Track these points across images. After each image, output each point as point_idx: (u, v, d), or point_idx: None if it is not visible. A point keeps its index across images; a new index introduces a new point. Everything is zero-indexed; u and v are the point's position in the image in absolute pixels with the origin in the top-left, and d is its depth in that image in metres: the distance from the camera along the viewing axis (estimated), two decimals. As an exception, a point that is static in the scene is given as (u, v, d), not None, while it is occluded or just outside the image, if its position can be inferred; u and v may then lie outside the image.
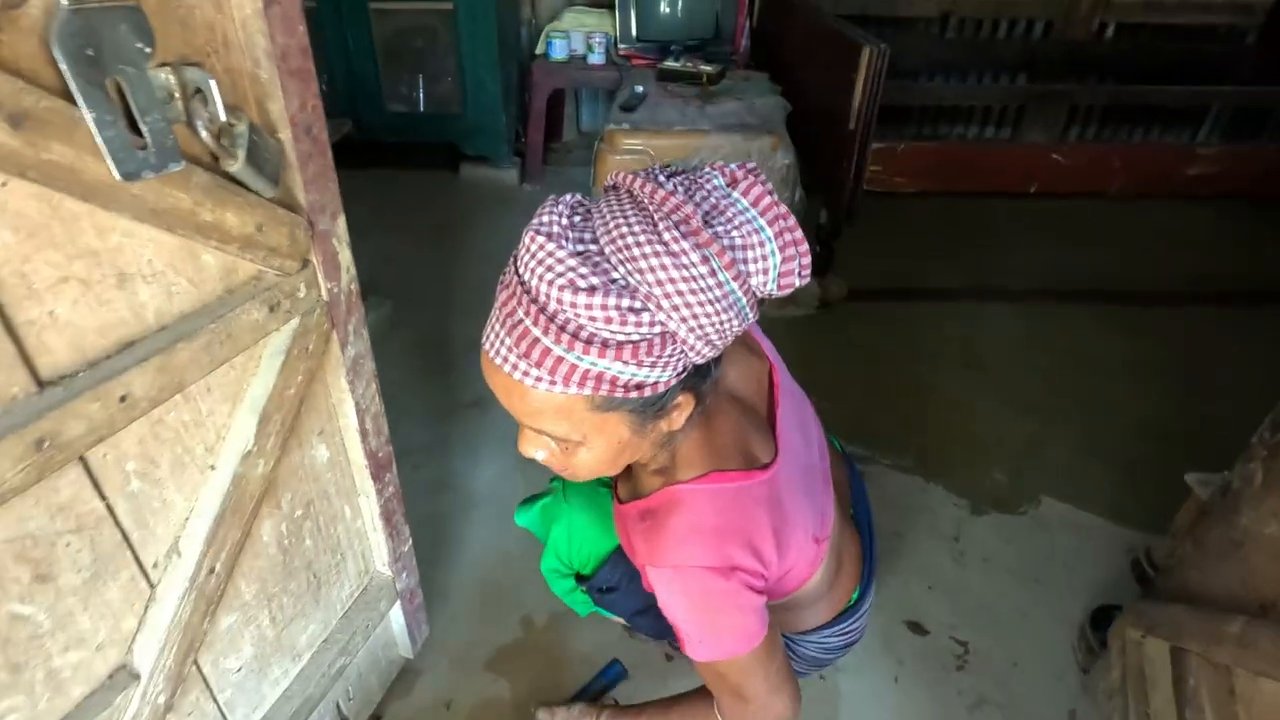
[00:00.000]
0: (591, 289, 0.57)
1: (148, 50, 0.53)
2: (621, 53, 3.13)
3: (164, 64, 0.56)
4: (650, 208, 0.59)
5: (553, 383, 0.60)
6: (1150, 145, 3.13)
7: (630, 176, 0.62)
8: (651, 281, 0.57)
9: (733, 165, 0.63)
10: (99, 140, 0.50)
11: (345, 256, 0.80)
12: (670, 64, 2.83)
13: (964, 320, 2.34)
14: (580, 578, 1.10)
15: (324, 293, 0.78)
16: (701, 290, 0.57)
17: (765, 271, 0.61)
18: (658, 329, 0.59)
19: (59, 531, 0.58)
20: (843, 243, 2.37)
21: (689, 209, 0.58)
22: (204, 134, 0.59)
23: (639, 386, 0.61)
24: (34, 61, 0.48)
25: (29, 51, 0.48)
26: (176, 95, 0.57)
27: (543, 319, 0.58)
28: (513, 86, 3.40)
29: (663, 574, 0.72)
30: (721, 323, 0.60)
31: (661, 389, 0.63)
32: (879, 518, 1.49)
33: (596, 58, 3.11)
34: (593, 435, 0.66)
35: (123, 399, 0.57)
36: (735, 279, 0.59)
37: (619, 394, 0.61)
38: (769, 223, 0.61)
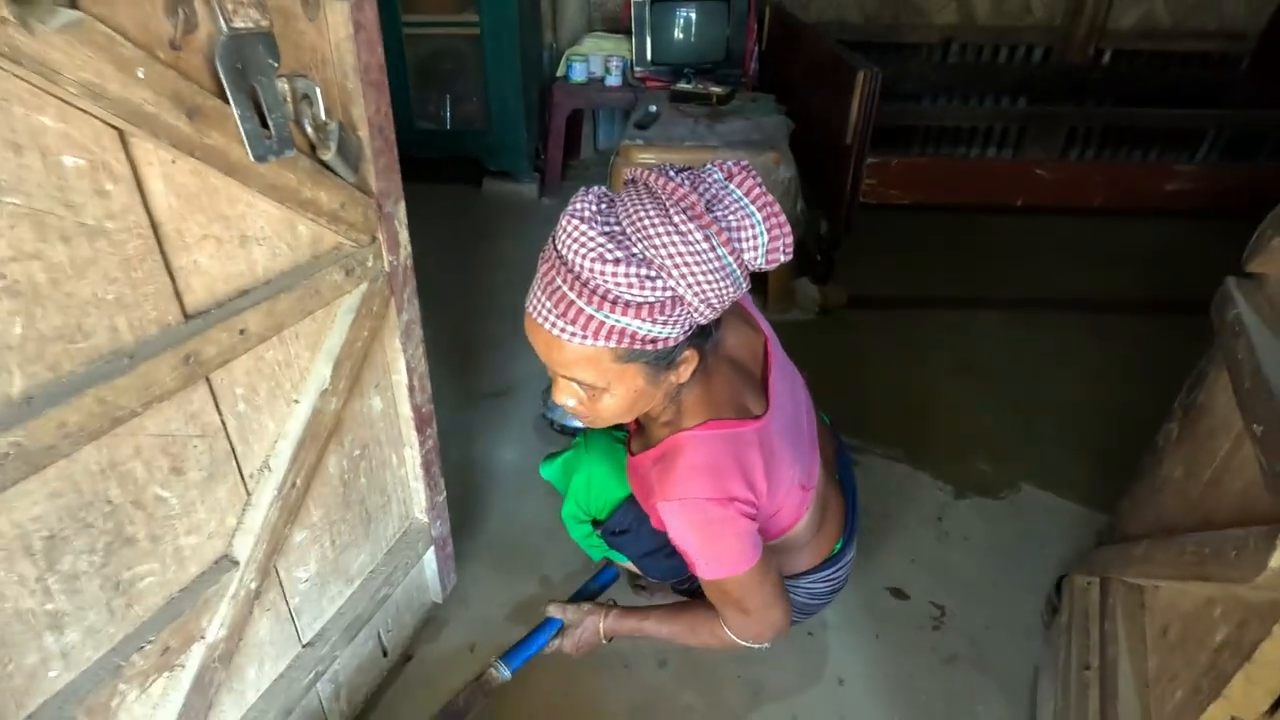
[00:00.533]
0: (617, 260, 0.71)
1: (275, 65, 0.70)
2: (637, 75, 3.32)
3: (281, 75, 0.73)
4: (662, 196, 0.73)
5: (585, 337, 0.74)
6: (1131, 163, 3.27)
7: (645, 171, 0.78)
8: (664, 255, 0.71)
9: (729, 162, 0.78)
10: (241, 130, 0.68)
11: (404, 236, 0.97)
12: (683, 86, 3.02)
13: (955, 326, 2.48)
14: (596, 523, 1.25)
15: (386, 264, 0.95)
16: (704, 262, 0.72)
17: (755, 248, 0.76)
18: (669, 293, 0.73)
19: (189, 435, 0.74)
20: (842, 252, 2.53)
21: (694, 197, 0.72)
22: (308, 129, 0.76)
23: (653, 341, 0.76)
24: (199, 72, 0.66)
25: (196, 64, 0.65)
26: (289, 99, 0.74)
27: (577, 285, 0.73)
28: (534, 106, 3.61)
29: (672, 506, 0.85)
30: (720, 289, 0.75)
31: (672, 344, 0.77)
32: (870, 502, 1.63)
33: (614, 80, 3.31)
34: (615, 383, 0.80)
35: (242, 332, 0.74)
36: (731, 254, 0.74)
37: (638, 346, 0.75)
38: (759, 209, 0.75)
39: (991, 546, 1.64)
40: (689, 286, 0.73)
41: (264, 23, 0.68)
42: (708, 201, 0.74)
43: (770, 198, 0.77)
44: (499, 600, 1.47)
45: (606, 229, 0.74)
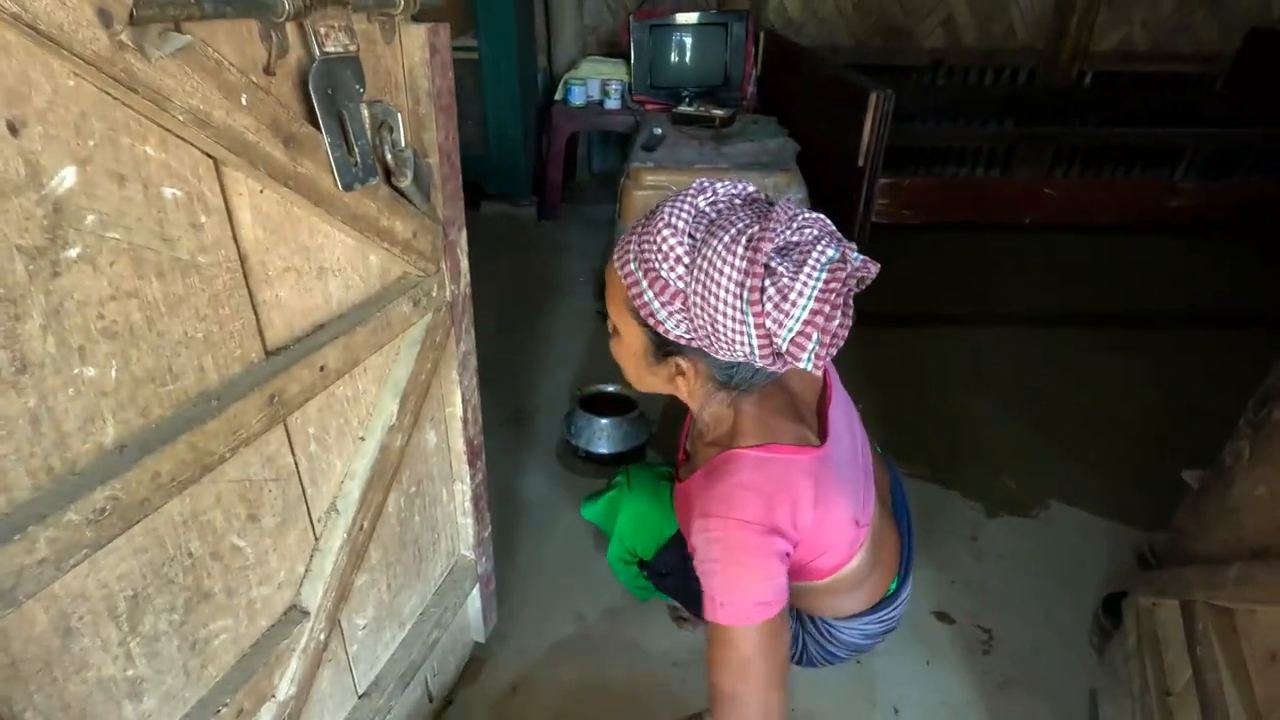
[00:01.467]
0: (675, 230, 0.73)
1: (362, 90, 0.67)
2: (636, 99, 3.34)
3: (364, 99, 0.70)
4: (750, 231, 0.70)
5: (619, 267, 0.79)
6: (1134, 181, 3.36)
7: (783, 199, 0.76)
8: (703, 264, 0.71)
9: (858, 257, 0.70)
10: (330, 158, 0.64)
11: (464, 264, 0.94)
12: (684, 109, 3.03)
13: (968, 343, 2.50)
14: (642, 564, 1.21)
15: (449, 293, 0.92)
16: (719, 299, 0.70)
17: (781, 326, 0.69)
18: (681, 294, 0.74)
19: (266, 479, 0.70)
20: (852, 271, 2.54)
21: (767, 249, 0.68)
22: (387, 156, 0.73)
23: (650, 314, 0.77)
24: (288, 98, 0.63)
25: (286, 90, 0.62)
26: (369, 125, 0.71)
27: (639, 230, 0.78)
28: (531, 130, 3.61)
29: (707, 524, 0.79)
30: (720, 332, 0.72)
31: (665, 334, 0.78)
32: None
33: (613, 103, 3.32)
34: (623, 328, 0.84)
35: (322, 369, 0.70)
36: (752, 307, 0.69)
37: (636, 304, 0.78)
38: (810, 312, 0.68)
39: (1028, 565, 1.63)
40: (696, 302, 0.73)
41: (352, 47, 0.65)
42: (781, 249, 0.70)
43: (837, 321, 0.69)
44: (537, 638, 1.42)
45: (699, 214, 0.75)
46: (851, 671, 1.36)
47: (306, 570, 0.78)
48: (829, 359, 0.71)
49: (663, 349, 0.81)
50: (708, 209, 0.75)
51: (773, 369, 0.79)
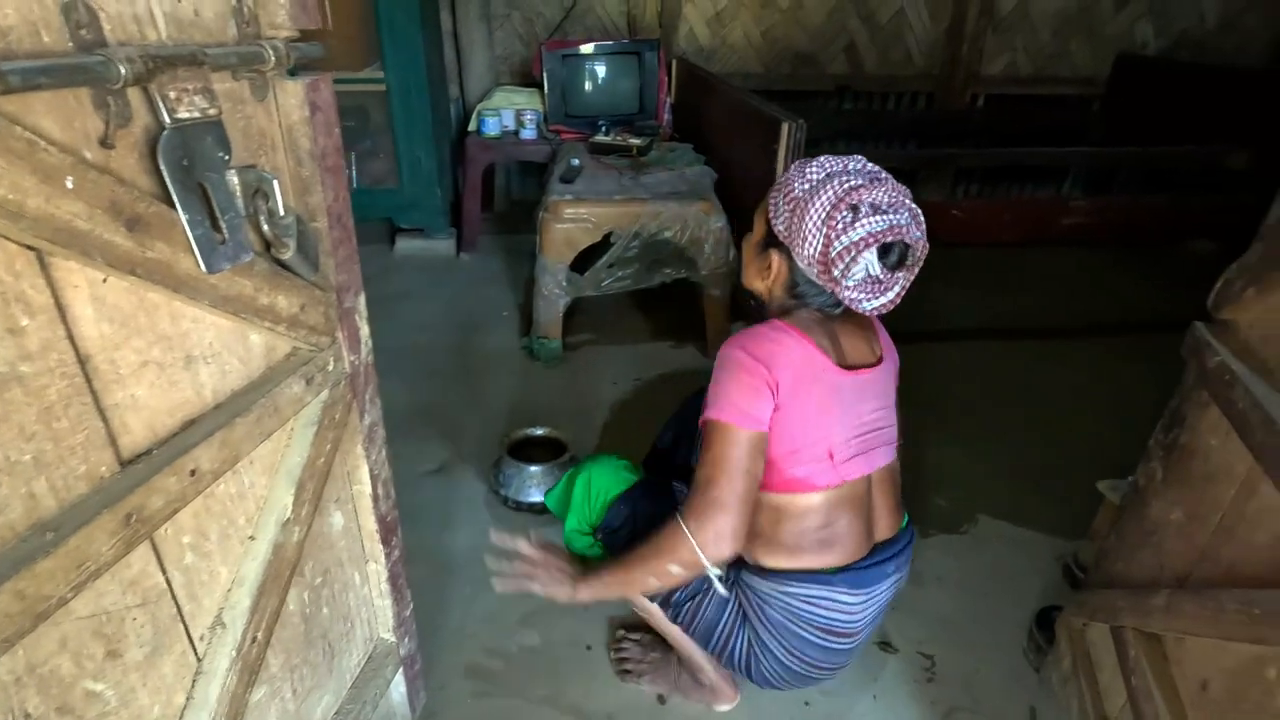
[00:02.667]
0: (817, 165, 1.00)
1: (227, 158, 0.60)
2: (552, 128, 3.30)
3: (231, 167, 0.63)
4: (848, 174, 0.98)
5: (771, 189, 1.06)
6: (1033, 199, 3.57)
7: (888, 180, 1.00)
8: (818, 188, 0.97)
9: (918, 235, 0.97)
10: (190, 238, 0.56)
11: (365, 331, 0.87)
12: (601, 138, 3.02)
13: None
14: (596, 530, 1.35)
15: (348, 365, 0.84)
16: (813, 208, 0.96)
17: (837, 240, 0.95)
18: (796, 200, 0.99)
19: (128, 606, 0.60)
20: (775, 296, 2.56)
21: (854, 199, 0.94)
22: (264, 226, 0.66)
23: (773, 209, 1.03)
24: (134, 172, 0.54)
25: (131, 164, 0.54)
26: (240, 194, 0.64)
27: (795, 167, 1.03)
28: (446, 161, 3.51)
29: (722, 349, 1.03)
30: (802, 228, 0.97)
31: (774, 227, 1.03)
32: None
33: (529, 133, 3.27)
34: (756, 224, 1.09)
35: (193, 473, 0.61)
36: (827, 221, 0.94)
37: (770, 208, 1.04)
38: (857, 241, 0.94)
39: (963, 584, 1.65)
40: (807, 221, 0.97)
41: (212, 111, 0.58)
42: (874, 204, 0.95)
43: (873, 242, 0.94)
44: (473, 710, 1.32)
45: (829, 171, 1.00)
46: (800, 713, 1.33)
47: (188, 699, 0.68)
48: (878, 311, 1.01)
49: (768, 243, 1.05)
50: (839, 166, 1.00)
51: (825, 290, 1.02)
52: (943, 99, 4.16)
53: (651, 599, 1.21)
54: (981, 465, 2.03)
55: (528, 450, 1.88)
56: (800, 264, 1.01)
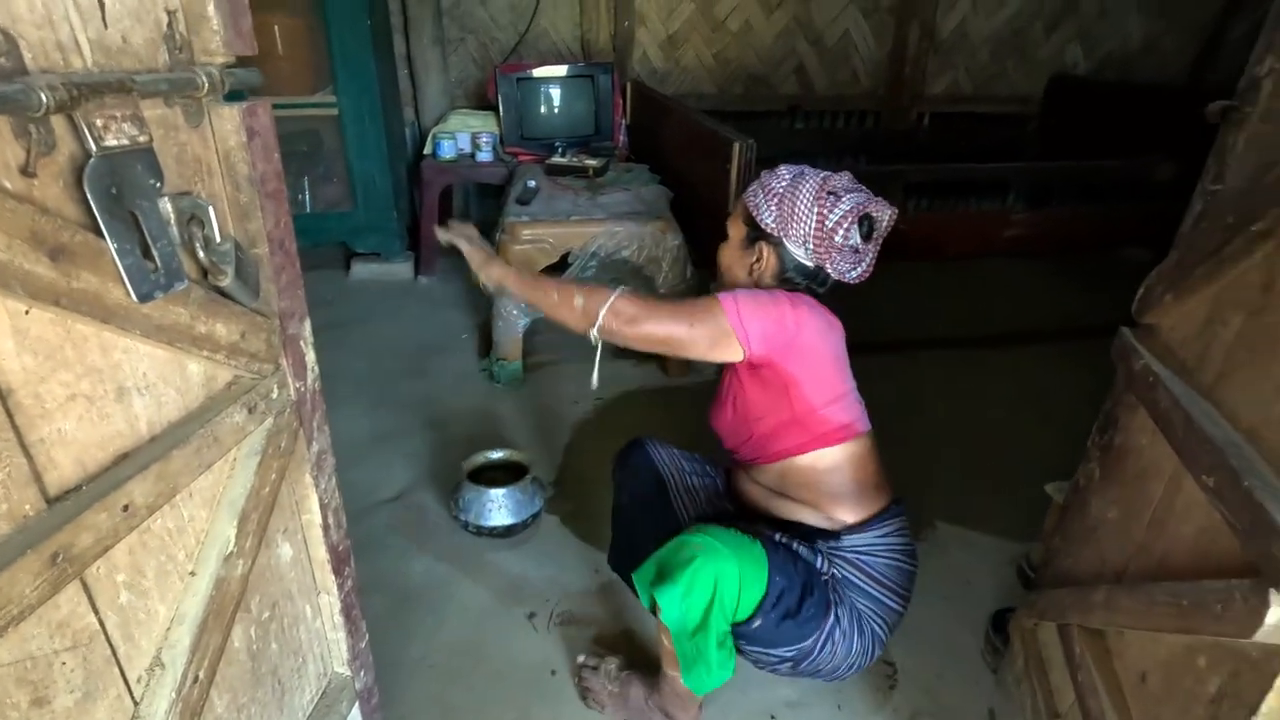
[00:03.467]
0: (787, 167, 1.16)
1: (159, 185, 0.59)
2: (508, 150, 3.31)
3: (164, 194, 0.62)
4: (826, 184, 1.11)
5: (749, 192, 1.18)
6: (977, 213, 3.71)
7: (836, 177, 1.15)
8: (797, 182, 1.12)
9: (883, 204, 1.13)
10: (120, 267, 0.55)
11: (311, 357, 0.85)
12: (557, 159, 3.03)
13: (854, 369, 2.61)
14: (739, 627, 1.08)
15: (293, 392, 0.82)
16: (800, 198, 1.10)
17: (830, 215, 1.09)
18: (779, 195, 1.12)
19: (56, 650, 0.57)
20: (733, 312, 2.60)
21: (835, 188, 1.11)
22: (200, 253, 0.65)
23: (756, 208, 1.14)
24: (59, 200, 0.53)
25: (56, 192, 0.53)
26: (174, 222, 0.62)
27: (768, 175, 1.16)
28: (402, 184, 3.49)
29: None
30: (795, 215, 1.10)
31: (761, 223, 1.13)
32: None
33: (485, 155, 3.27)
34: (732, 230, 1.21)
35: (125, 508, 0.59)
36: (818, 202, 1.09)
37: (749, 205, 1.16)
38: (844, 214, 1.09)
39: (922, 590, 1.66)
40: (798, 211, 1.11)
41: (142, 138, 0.57)
42: (845, 187, 1.12)
43: (855, 215, 1.10)
44: (434, 745, 1.29)
45: (781, 171, 1.16)
46: (769, 731, 1.33)
47: (124, 746, 0.66)
48: (859, 279, 1.19)
49: (754, 237, 1.16)
50: (801, 168, 1.16)
51: (812, 271, 1.16)
52: (889, 117, 4.30)
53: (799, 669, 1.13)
54: (936, 472, 2.08)
55: (488, 474, 1.86)
56: (791, 247, 1.14)
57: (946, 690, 1.42)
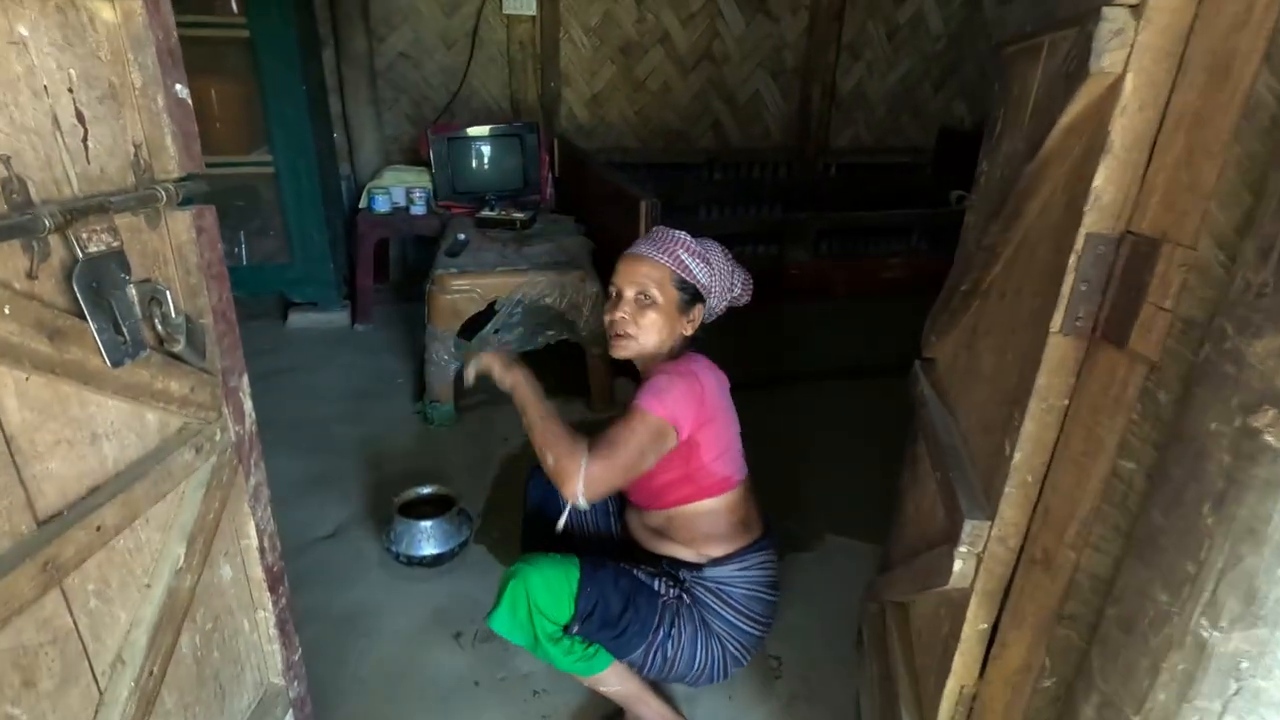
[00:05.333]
0: (682, 240, 1.30)
1: (128, 277, 0.77)
2: (441, 204, 3.51)
3: (130, 283, 0.80)
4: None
5: (666, 258, 1.26)
6: (860, 257, 4.10)
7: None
8: (711, 251, 1.32)
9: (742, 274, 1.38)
10: (99, 342, 0.73)
11: (248, 406, 1.03)
12: (487, 213, 3.25)
13: (748, 404, 2.86)
14: (567, 627, 1.25)
15: (233, 435, 1.00)
16: (720, 263, 1.31)
17: (735, 275, 1.36)
18: (708, 263, 1.29)
19: (41, 643, 0.73)
20: (651, 351, 2.84)
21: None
22: (158, 326, 0.83)
23: (693, 278, 1.27)
24: (52, 294, 0.71)
25: (50, 287, 0.71)
26: (138, 303, 0.81)
27: (672, 238, 1.29)
28: (339, 236, 3.64)
29: (671, 369, 1.25)
30: (721, 275, 1.31)
31: (699, 286, 1.28)
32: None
33: (419, 209, 3.47)
34: (663, 299, 1.26)
35: (98, 528, 0.76)
36: (730, 263, 1.34)
37: (686, 276, 1.26)
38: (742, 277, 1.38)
39: (808, 595, 1.90)
40: (719, 268, 1.31)
41: (115, 244, 0.76)
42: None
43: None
44: (365, 753, 1.43)
45: (680, 236, 1.32)
46: None
47: (92, 726, 0.80)
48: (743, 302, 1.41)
49: (690, 299, 1.28)
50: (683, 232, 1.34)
51: (714, 316, 1.37)
52: (800, 168, 4.70)
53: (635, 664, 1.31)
54: (829, 490, 2.33)
55: (419, 508, 2.01)
56: (713, 302, 1.32)
57: (821, 677, 1.63)
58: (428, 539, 1.89)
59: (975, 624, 0.82)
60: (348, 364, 3.18)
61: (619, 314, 1.28)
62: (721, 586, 1.32)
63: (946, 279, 1.14)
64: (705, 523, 1.33)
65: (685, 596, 1.31)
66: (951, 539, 0.82)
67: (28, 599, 0.68)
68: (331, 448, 2.50)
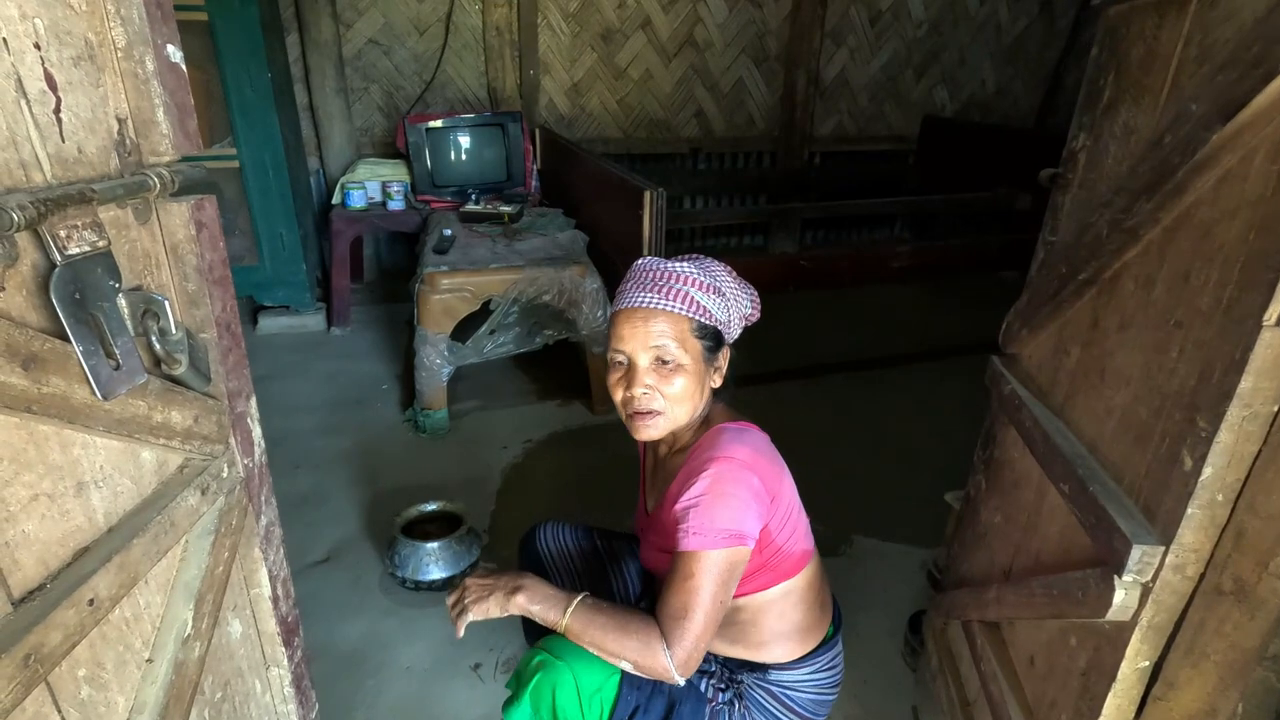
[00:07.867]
0: (685, 273, 1.00)
1: (118, 286, 0.62)
2: (420, 198, 3.32)
3: (121, 292, 0.64)
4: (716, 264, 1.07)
5: (678, 307, 0.98)
6: (868, 245, 4.02)
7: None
8: (719, 275, 1.04)
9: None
10: (85, 369, 0.58)
11: (257, 433, 0.87)
12: (472, 207, 3.08)
13: (759, 401, 2.77)
14: None
15: (241, 469, 0.84)
16: (733, 289, 1.05)
17: (747, 295, 1.09)
18: (720, 293, 1.02)
19: (22, 754, 0.57)
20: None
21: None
22: (155, 345, 0.67)
23: (714, 319, 1.01)
24: (23, 309, 0.55)
25: (20, 301, 0.55)
26: (130, 317, 0.65)
27: (674, 277, 1.00)
28: (310, 234, 3.42)
29: (704, 467, 0.95)
30: (740, 308, 1.07)
31: (719, 325, 1.02)
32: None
33: (396, 204, 3.27)
34: (688, 355, 0.99)
35: (91, 602, 0.60)
36: (743, 288, 1.08)
37: (707, 320, 1.00)
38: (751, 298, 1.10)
39: (844, 600, 1.79)
40: (731, 294, 1.05)
41: (101, 243, 0.60)
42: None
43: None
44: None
45: (683, 264, 1.03)
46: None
47: (87, 845, 0.65)
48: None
49: (715, 345, 1.04)
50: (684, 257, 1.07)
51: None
52: (784, 157, 4.61)
53: None
54: (850, 488, 2.24)
55: (422, 527, 1.85)
56: (731, 333, 1.08)
57: (871, 692, 1.53)
58: (435, 561, 1.74)
59: (1135, 661, 0.71)
60: (327, 371, 2.98)
61: (638, 390, 0.99)
62: (786, 692, 1.10)
63: (1033, 268, 1.04)
64: (781, 611, 1.08)
65: (737, 702, 1.09)
66: (1105, 563, 0.71)
67: (6, 706, 0.52)
68: (316, 463, 2.31)
